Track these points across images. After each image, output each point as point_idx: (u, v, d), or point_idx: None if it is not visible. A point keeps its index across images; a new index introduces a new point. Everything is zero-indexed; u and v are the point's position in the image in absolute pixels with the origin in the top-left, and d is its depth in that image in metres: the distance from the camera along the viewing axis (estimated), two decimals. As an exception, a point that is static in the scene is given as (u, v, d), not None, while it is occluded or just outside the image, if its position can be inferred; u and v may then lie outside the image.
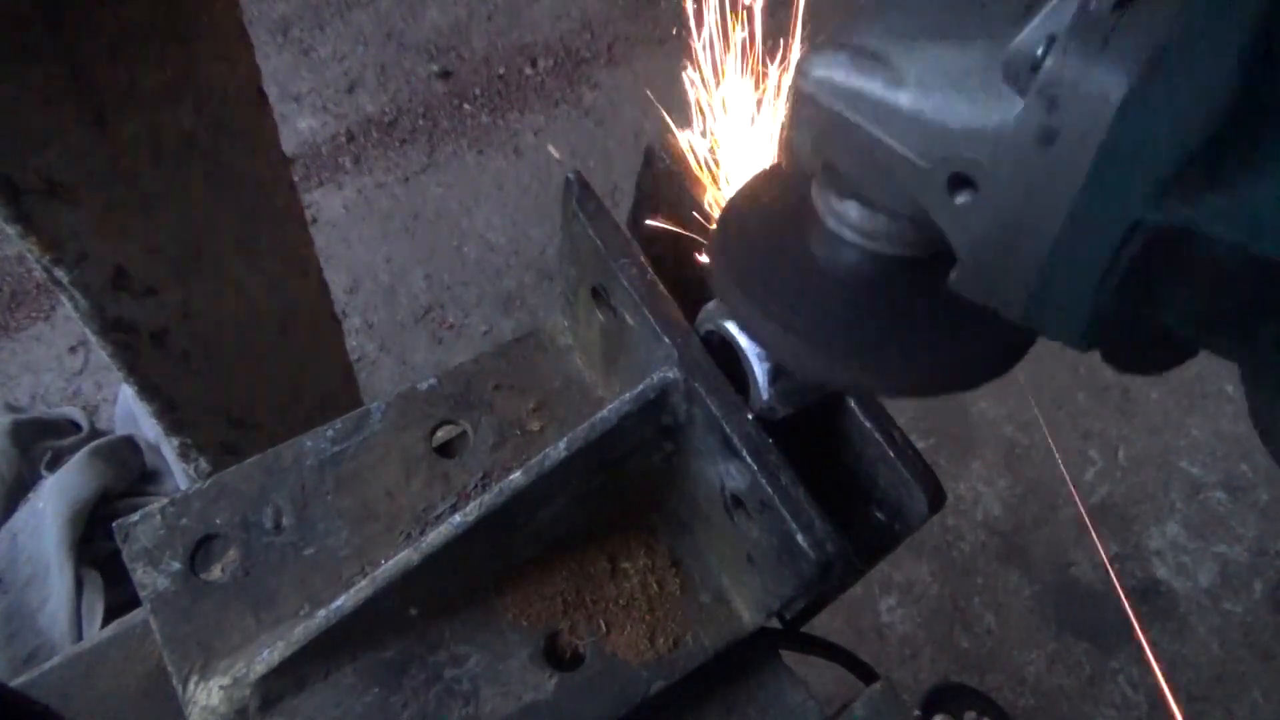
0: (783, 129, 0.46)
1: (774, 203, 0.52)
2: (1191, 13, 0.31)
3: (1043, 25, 0.34)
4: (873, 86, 0.40)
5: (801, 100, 0.43)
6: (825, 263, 0.48)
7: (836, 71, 0.41)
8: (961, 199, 0.38)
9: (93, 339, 0.93)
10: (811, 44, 0.44)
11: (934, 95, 0.38)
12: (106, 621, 1.30)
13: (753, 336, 0.50)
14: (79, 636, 1.29)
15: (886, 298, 0.47)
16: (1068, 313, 0.38)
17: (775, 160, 0.54)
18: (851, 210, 0.46)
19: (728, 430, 0.51)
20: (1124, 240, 0.34)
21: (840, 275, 0.47)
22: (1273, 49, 0.32)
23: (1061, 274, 0.36)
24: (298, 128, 2.20)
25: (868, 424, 0.54)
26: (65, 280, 0.84)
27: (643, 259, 0.56)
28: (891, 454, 0.53)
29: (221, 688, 0.51)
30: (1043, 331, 0.40)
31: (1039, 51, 0.34)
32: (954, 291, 0.41)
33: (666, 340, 0.54)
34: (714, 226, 0.53)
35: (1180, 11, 0.31)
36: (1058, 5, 0.34)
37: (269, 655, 0.51)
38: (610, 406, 0.54)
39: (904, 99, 0.39)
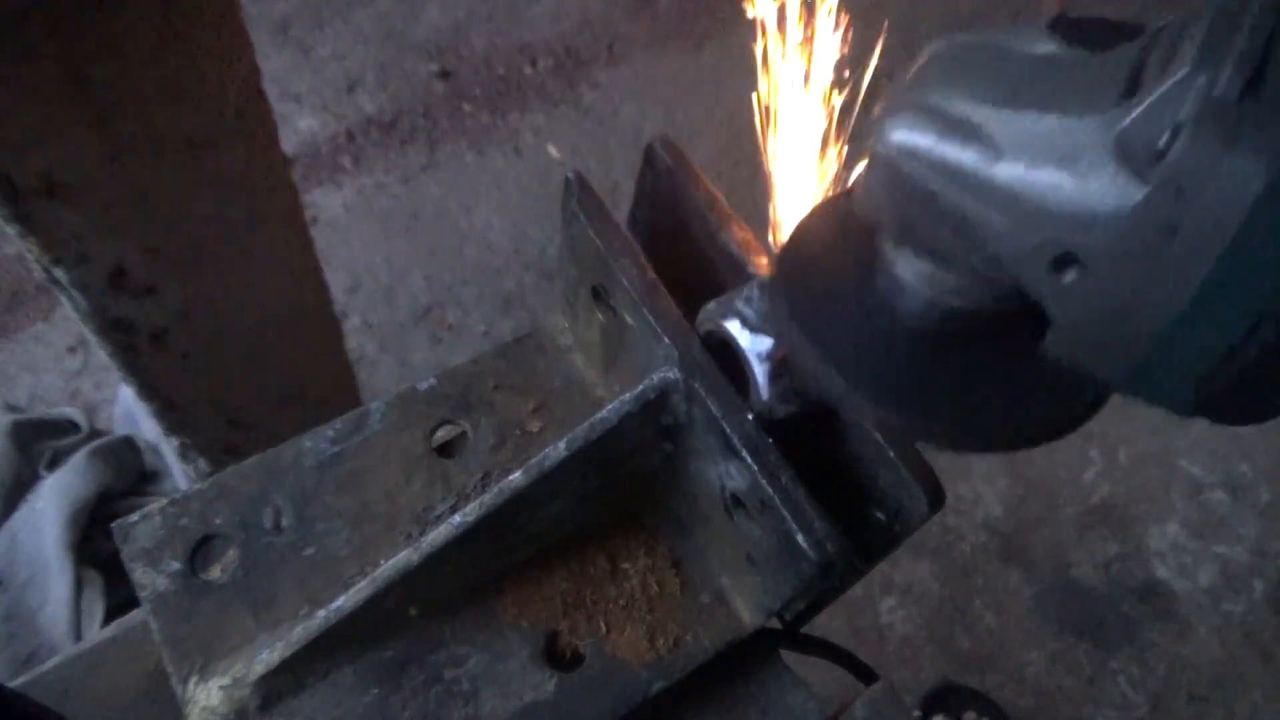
0: (857, 188, 0.43)
1: (840, 239, 0.49)
2: None
3: (1163, 108, 0.32)
4: (965, 158, 0.37)
5: (880, 164, 0.40)
6: (888, 306, 0.45)
7: (923, 139, 0.38)
8: (1068, 278, 0.36)
9: (92, 339, 0.93)
10: (886, 103, 0.40)
11: (1036, 170, 0.35)
12: (106, 622, 1.30)
13: (814, 388, 0.48)
14: (78, 637, 1.29)
15: (955, 350, 0.45)
16: (1177, 388, 0.36)
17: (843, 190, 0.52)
18: (926, 267, 0.43)
19: (728, 430, 0.51)
20: (1248, 331, 0.32)
21: (906, 321, 0.45)
22: None
23: (1174, 356, 0.35)
24: (298, 128, 2.20)
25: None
26: (65, 280, 0.84)
27: (643, 259, 0.56)
28: (891, 454, 0.53)
29: (221, 688, 0.51)
30: (1145, 400, 0.38)
31: (1163, 139, 0.32)
32: (1042, 355, 0.39)
33: (666, 340, 0.54)
34: (778, 258, 0.51)
35: None
36: (1175, 86, 0.32)
37: (269, 655, 0.51)
38: (610, 407, 0.54)
39: (1002, 174, 0.36)
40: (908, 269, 0.44)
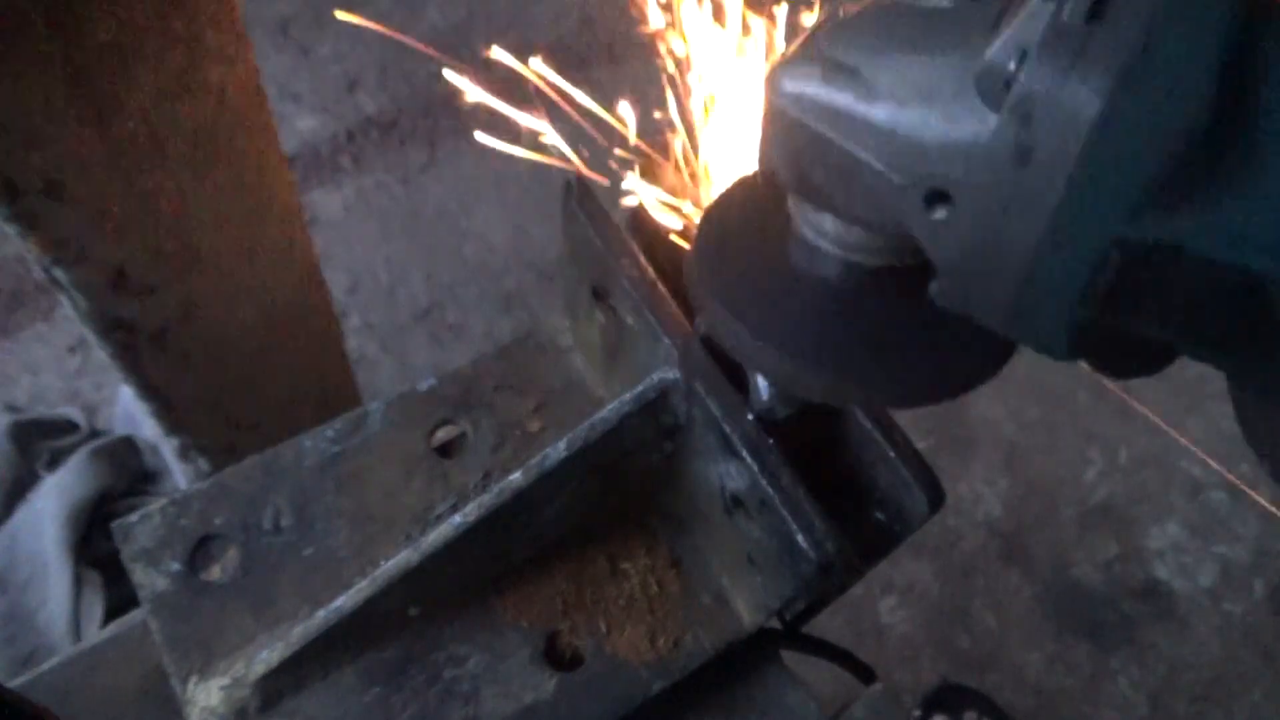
0: (760, 145, 0.45)
1: (753, 212, 0.51)
2: (1161, 26, 0.31)
3: (1014, 38, 0.33)
4: (845, 100, 0.39)
5: (774, 114, 0.42)
6: (803, 274, 0.47)
7: (808, 85, 0.40)
8: (939, 214, 0.38)
9: (92, 339, 0.93)
10: (780, 57, 0.43)
11: (908, 110, 0.37)
12: (106, 622, 1.30)
13: (732, 351, 0.50)
14: (78, 637, 1.29)
15: (866, 308, 0.47)
16: (1049, 326, 0.37)
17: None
18: (828, 223, 0.45)
19: (728, 430, 0.51)
20: (1103, 256, 0.34)
21: (818, 286, 0.47)
22: (1244, 59, 0.31)
23: (1041, 289, 0.36)
24: (298, 128, 2.20)
25: (868, 424, 0.54)
26: (65, 280, 0.84)
27: (643, 259, 0.56)
28: (891, 454, 0.53)
29: (221, 688, 0.51)
30: (1026, 342, 0.40)
31: (1011, 65, 0.33)
32: (936, 303, 0.41)
33: (666, 340, 0.54)
34: (694, 235, 0.52)
35: (1150, 25, 0.31)
36: (1029, 17, 0.33)
37: (268, 655, 0.51)
38: (610, 407, 0.54)
39: (878, 114, 0.38)
40: (815, 230, 0.46)
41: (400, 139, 2.22)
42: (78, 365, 1.86)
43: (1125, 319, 0.36)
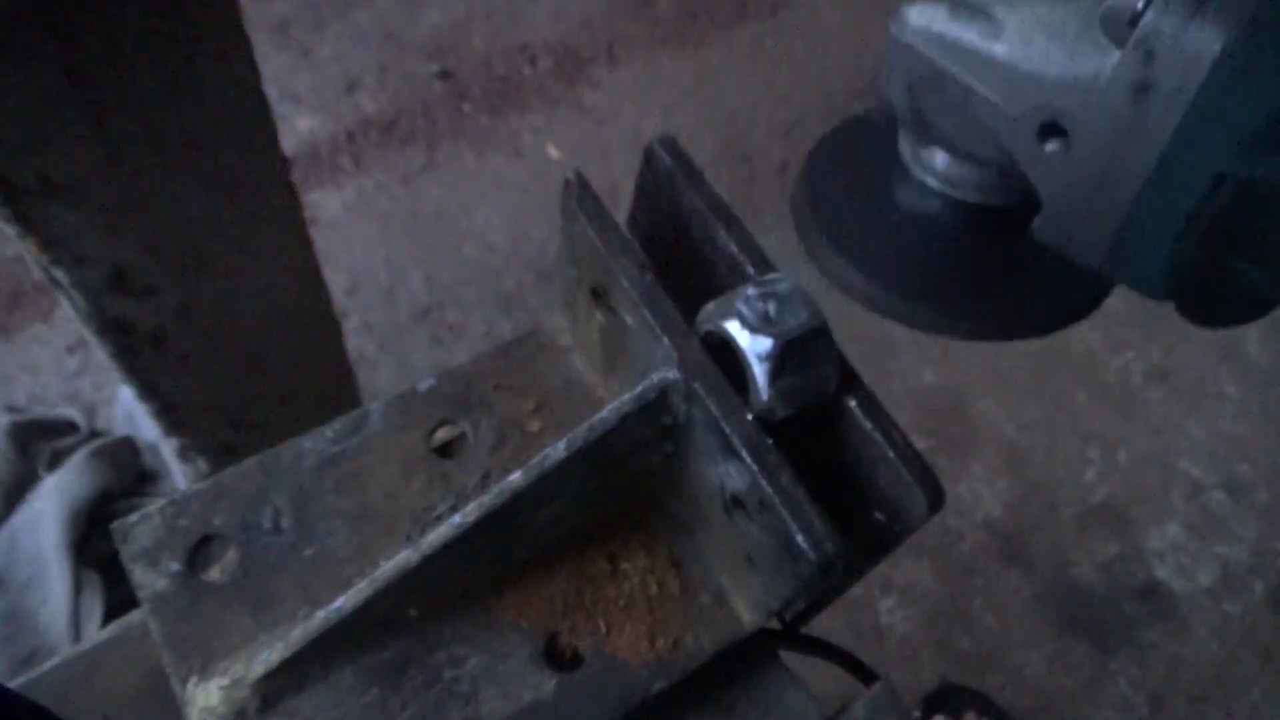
0: (879, 77, 0.47)
1: (860, 151, 0.53)
2: None
3: None
4: (970, 36, 0.41)
5: (898, 47, 0.44)
6: (909, 210, 0.49)
7: (935, 21, 0.42)
8: (1051, 146, 0.39)
9: (92, 339, 0.93)
10: None
11: (1030, 46, 0.39)
12: (106, 622, 1.30)
13: (834, 281, 0.51)
14: (78, 637, 1.29)
15: (968, 244, 0.48)
16: (1148, 261, 0.39)
17: (861, 110, 0.56)
18: (938, 158, 0.47)
19: (727, 430, 0.51)
20: (1210, 191, 0.35)
21: (924, 222, 0.48)
22: None
23: (1145, 222, 0.37)
24: (297, 128, 2.20)
25: (867, 424, 0.54)
26: (64, 281, 0.84)
27: (643, 259, 0.56)
28: (891, 454, 0.53)
29: (221, 688, 0.51)
30: (1122, 280, 0.41)
31: (1138, 6, 0.35)
32: (1035, 239, 0.42)
33: (666, 340, 0.53)
34: (799, 174, 0.53)
35: None
36: None
37: (268, 656, 0.51)
38: (610, 407, 0.54)
39: (1000, 49, 0.40)
40: (925, 168, 0.48)
41: (400, 139, 2.22)
42: (77, 365, 1.86)
43: (1225, 256, 0.37)
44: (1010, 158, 0.41)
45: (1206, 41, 0.33)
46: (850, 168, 0.53)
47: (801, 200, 0.51)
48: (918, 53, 0.43)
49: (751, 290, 0.54)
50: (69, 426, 1.58)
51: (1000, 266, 0.48)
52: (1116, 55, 0.36)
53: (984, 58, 0.41)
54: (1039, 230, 0.42)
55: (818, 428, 0.56)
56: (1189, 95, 0.34)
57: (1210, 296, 0.40)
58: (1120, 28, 0.36)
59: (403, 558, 0.52)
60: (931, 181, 0.48)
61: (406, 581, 0.52)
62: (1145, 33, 0.35)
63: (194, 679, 0.52)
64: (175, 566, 0.55)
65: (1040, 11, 0.39)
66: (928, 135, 0.46)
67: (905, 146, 0.49)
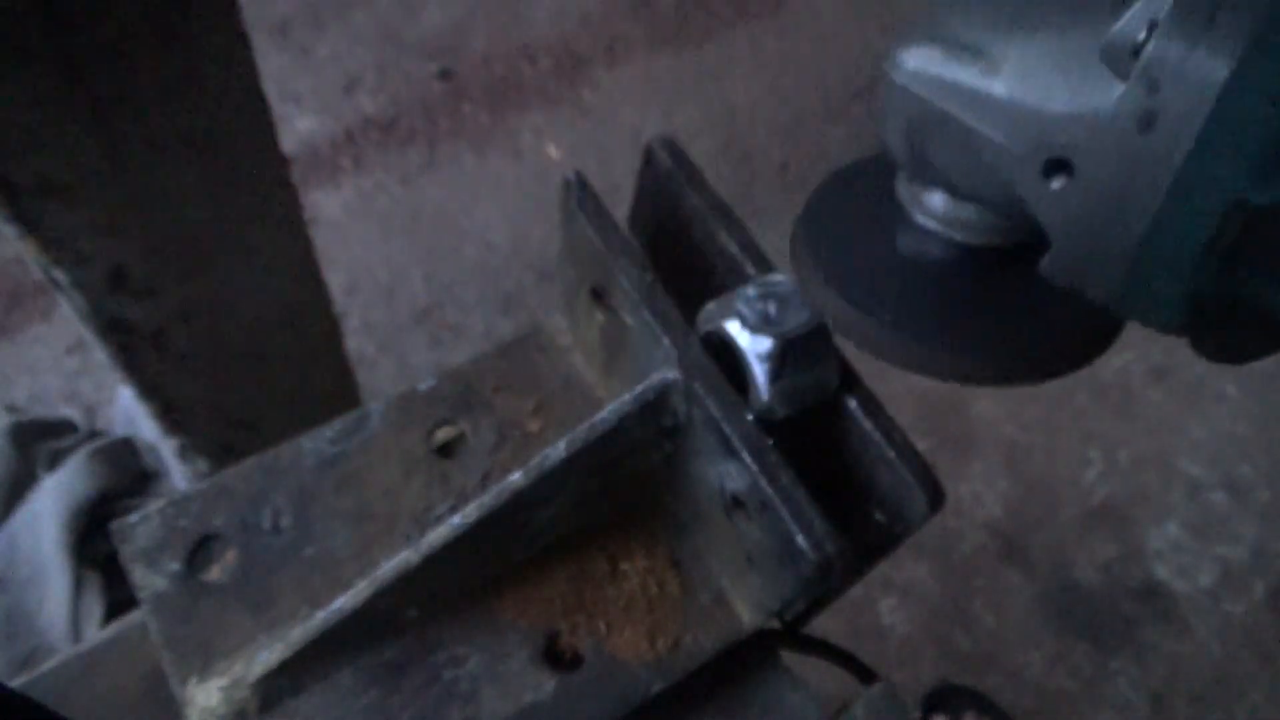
0: (876, 119, 0.47)
1: (860, 196, 0.52)
2: None
3: (1144, 10, 0.35)
4: (967, 76, 0.41)
5: (894, 90, 0.44)
6: (909, 254, 0.48)
7: (931, 63, 0.42)
8: (1057, 183, 0.39)
9: (92, 340, 0.93)
10: (899, 36, 0.44)
11: (1031, 82, 0.39)
12: (105, 622, 1.30)
13: (835, 326, 0.51)
14: (78, 637, 1.29)
15: (971, 287, 0.48)
16: (1164, 295, 0.38)
17: (862, 155, 0.56)
18: (937, 200, 0.46)
19: (727, 431, 0.51)
20: (1222, 221, 0.34)
21: (924, 265, 0.48)
22: None
23: (1157, 256, 0.37)
24: (297, 128, 2.20)
25: (868, 425, 0.54)
26: (63, 281, 0.84)
27: (643, 259, 0.56)
28: (891, 454, 0.53)
29: (220, 689, 0.51)
30: (1135, 316, 0.40)
31: (1140, 36, 0.35)
32: (1043, 278, 0.42)
33: (666, 340, 0.53)
34: (798, 222, 0.53)
35: None
36: None
37: (268, 656, 0.51)
38: (610, 407, 0.54)
39: (999, 87, 0.40)
40: (925, 211, 0.47)
41: (400, 140, 2.22)
42: (77, 365, 1.86)
43: (1242, 287, 0.37)
44: (1015, 197, 0.41)
45: (1212, 67, 0.33)
46: (850, 212, 0.52)
47: (802, 246, 0.51)
48: (915, 95, 0.43)
49: (751, 290, 0.54)
50: (69, 426, 1.58)
51: (1006, 308, 0.47)
52: (1120, 87, 0.36)
53: (983, 97, 0.40)
54: (1048, 269, 0.41)
55: (818, 428, 0.56)
56: (1197, 123, 0.33)
57: (1228, 329, 0.40)
58: (1123, 59, 0.35)
59: (403, 558, 0.52)
60: (932, 225, 0.47)
61: (406, 581, 0.52)
62: (1148, 62, 0.34)
63: (194, 679, 0.52)
64: (175, 567, 0.55)
65: (1039, 46, 0.39)
66: (928, 177, 0.46)
67: (903, 190, 0.49)
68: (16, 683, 0.57)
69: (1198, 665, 1.74)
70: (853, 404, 0.54)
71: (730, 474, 0.52)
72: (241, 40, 0.82)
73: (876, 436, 0.54)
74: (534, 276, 2.05)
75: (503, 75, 2.31)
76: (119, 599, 1.31)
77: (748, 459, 0.50)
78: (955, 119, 0.41)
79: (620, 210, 0.61)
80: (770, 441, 0.51)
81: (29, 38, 0.67)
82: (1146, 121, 0.35)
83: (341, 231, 2.08)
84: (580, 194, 0.58)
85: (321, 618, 0.51)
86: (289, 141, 2.22)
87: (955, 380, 0.54)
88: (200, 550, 0.55)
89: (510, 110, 2.26)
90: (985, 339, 0.47)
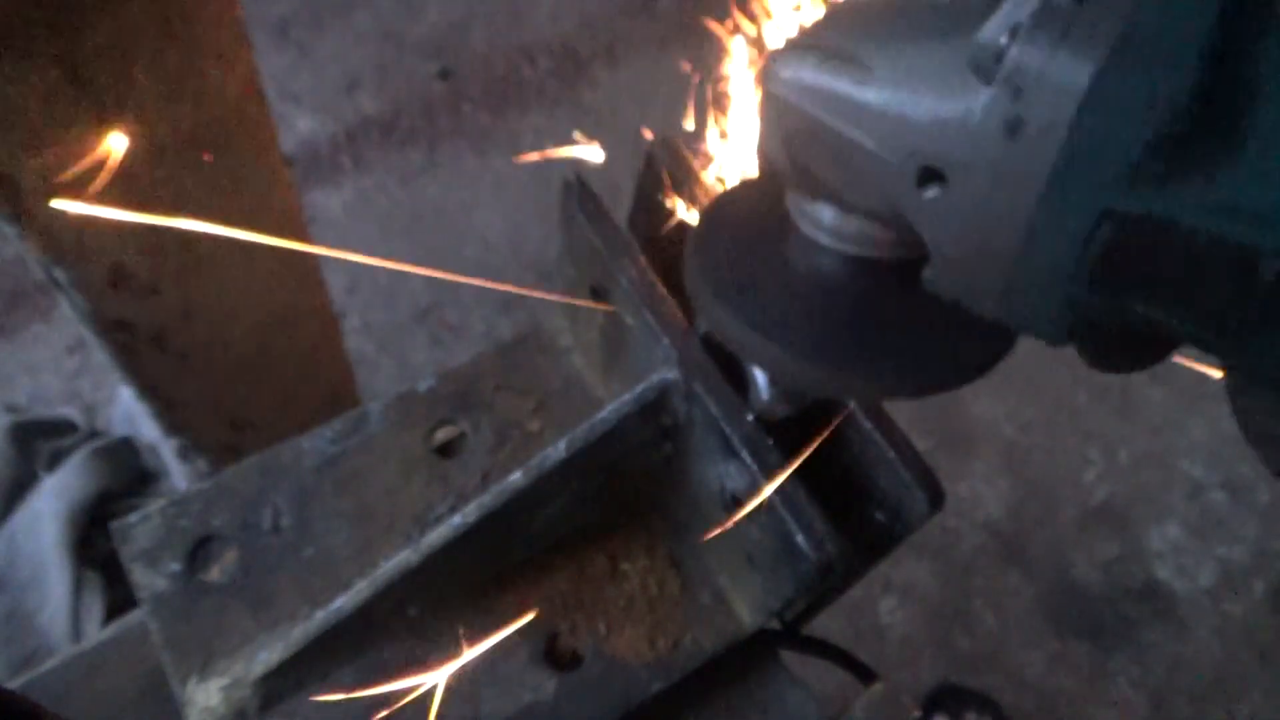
0: (758, 134, 0.46)
1: (751, 211, 0.52)
2: (1150, 1, 0.32)
3: (1007, 16, 0.34)
4: (840, 84, 0.40)
5: (770, 101, 0.43)
6: (800, 268, 0.48)
7: (804, 71, 0.41)
8: (931, 193, 0.38)
9: (92, 339, 0.93)
10: (778, 49, 0.44)
11: (901, 90, 0.38)
12: (106, 622, 1.30)
13: (729, 344, 0.50)
14: (78, 637, 1.29)
15: (862, 300, 0.47)
16: (1041, 306, 0.38)
17: (754, 169, 0.55)
18: (825, 213, 0.46)
19: (727, 431, 0.51)
20: (1094, 229, 0.34)
21: (815, 280, 0.47)
22: (1231, 34, 0.32)
23: (1033, 265, 0.36)
24: (297, 128, 2.20)
25: (867, 425, 0.54)
26: (64, 280, 0.84)
27: (643, 259, 0.56)
28: (891, 455, 0.53)
29: (220, 688, 0.51)
30: (1017, 327, 0.40)
31: (1003, 41, 0.34)
32: (928, 291, 0.41)
33: (666, 340, 0.53)
34: (689, 237, 0.52)
35: (1137, 1, 0.32)
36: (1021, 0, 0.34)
37: (268, 656, 0.51)
38: (610, 407, 0.54)
39: (871, 95, 0.39)
40: (813, 223, 0.47)
41: (400, 139, 2.22)
42: (77, 365, 1.86)
43: (1118, 297, 0.36)
44: (895, 208, 0.40)
45: (1074, 72, 0.32)
46: (742, 227, 0.51)
47: (694, 268, 0.50)
48: (791, 105, 0.42)
49: (751, 290, 0.54)
50: (69, 426, 1.58)
51: (899, 321, 0.46)
52: (987, 94, 0.35)
53: (857, 104, 0.39)
54: (929, 281, 0.41)
55: (818, 427, 0.56)
56: (1061, 130, 0.33)
57: (1109, 340, 0.39)
58: (988, 64, 0.35)
59: (403, 558, 0.52)
60: (821, 237, 0.46)
61: (406, 581, 0.52)
62: (1011, 68, 0.34)
63: (194, 679, 0.52)
64: (175, 567, 0.55)
65: (910, 54, 0.38)
66: (812, 190, 0.45)
67: (792, 203, 0.48)
68: (16, 683, 0.57)
69: (1198, 665, 1.74)
70: (853, 404, 0.54)
71: (730, 474, 0.52)
72: (241, 40, 0.82)
73: (877, 436, 0.54)
74: (534, 276, 2.05)
75: (503, 75, 2.31)
76: (119, 599, 1.31)
77: (748, 459, 0.50)
78: (831, 128, 0.40)
79: (620, 210, 0.61)
80: (770, 441, 0.51)
81: (31, 37, 0.67)
82: (1012, 128, 0.34)
83: (341, 231, 2.08)
84: (580, 194, 0.58)
85: (321, 617, 0.51)
86: (289, 141, 2.22)
87: (849, 398, 0.53)
88: (200, 550, 0.55)
89: (510, 110, 2.26)
90: (875, 354, 0.46)
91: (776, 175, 0.46)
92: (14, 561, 1.34)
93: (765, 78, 0.43)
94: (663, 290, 0.55)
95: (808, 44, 0.42)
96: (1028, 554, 1.83)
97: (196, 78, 0.79)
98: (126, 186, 0.81)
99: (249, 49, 0.83)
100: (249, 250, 0.96)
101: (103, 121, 0.75)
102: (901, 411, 0.55)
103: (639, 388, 0.54)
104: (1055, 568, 1.82)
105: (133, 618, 0.59)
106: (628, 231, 0.58)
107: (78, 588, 1.30)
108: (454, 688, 0.53)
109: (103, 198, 0.80)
